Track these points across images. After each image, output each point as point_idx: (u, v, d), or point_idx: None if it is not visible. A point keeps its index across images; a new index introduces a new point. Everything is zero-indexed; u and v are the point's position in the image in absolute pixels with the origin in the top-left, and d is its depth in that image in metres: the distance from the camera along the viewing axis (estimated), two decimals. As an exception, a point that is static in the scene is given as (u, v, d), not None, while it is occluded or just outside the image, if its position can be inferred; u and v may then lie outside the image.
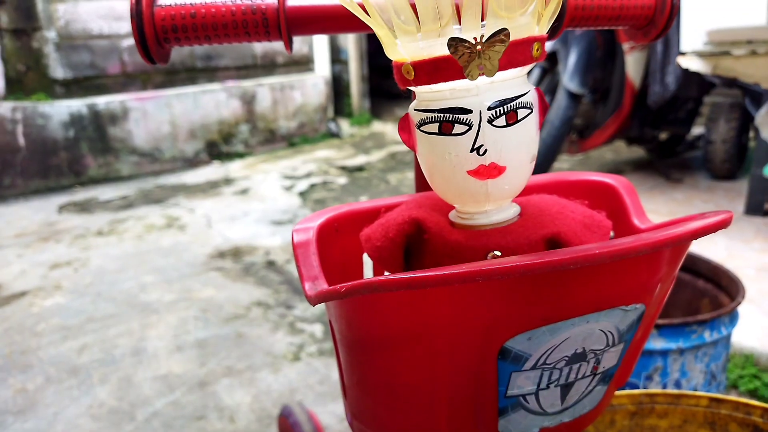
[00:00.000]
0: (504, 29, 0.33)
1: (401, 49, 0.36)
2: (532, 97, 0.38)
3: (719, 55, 1.75)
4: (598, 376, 0.40)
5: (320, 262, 0.41)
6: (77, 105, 3.40)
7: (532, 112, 0.37)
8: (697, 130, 3.57)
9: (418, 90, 0.38)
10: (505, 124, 0.36)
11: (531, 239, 0.40)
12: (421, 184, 0.58)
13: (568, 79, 2.64)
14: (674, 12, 0.50)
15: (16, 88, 3.36)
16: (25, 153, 3.25)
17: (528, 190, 0.48)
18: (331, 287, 0.35)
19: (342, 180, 3.40)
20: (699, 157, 3.27)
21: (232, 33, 0.42)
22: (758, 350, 1.44)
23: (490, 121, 0.36)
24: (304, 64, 4.58)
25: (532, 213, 0.41)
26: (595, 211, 0.43)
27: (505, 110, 0.36)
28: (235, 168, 3.77)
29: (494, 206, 0.40)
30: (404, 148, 4.14)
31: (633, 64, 2.65)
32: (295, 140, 4.34)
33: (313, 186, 3.29)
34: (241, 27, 0.42)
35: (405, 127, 0.40)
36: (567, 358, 0.37)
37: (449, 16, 0.34)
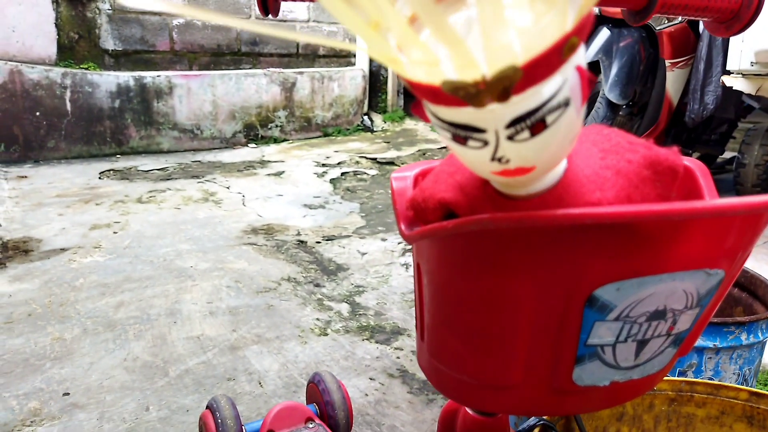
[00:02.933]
0: (513, 68, 0.27)
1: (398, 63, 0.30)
2: (567, 90, 0.30)
3: (765, 76, 1.75)
4: (672, 338, 0.42)
5: None
6: (125, 77, 3.49)
7: (568, 106, 0.31)
8: (728, 153, 3.54)
9: None
10: (528, 136, 0.30)
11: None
12: None
13: (609, 89, 2.65)
14: (760, 8, 0.51)
15: (68, 56, 3.46)
16: (71, 118, 3.35)
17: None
18: (434, 225, 0.38)
19: (373, 171, 3.44)
20: (729, 179, 3.24)
21: None
22: (785, 369, 1.44)
23: (510, 138, 0.30)
24: (344, 57, 4.64)
25: (576, 175, 0.38)
26: (660, 150, 0.40)
27: (529, 124, 0.30)
28: (270, 151, 3.83)
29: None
30: (435, 146, 4.16)
31: (673, 80, 2.65)
32: (329, 130, 4.39)
33: (344, 174, 3.33)
34: None
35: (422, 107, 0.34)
36: (648, 314, 0.39)
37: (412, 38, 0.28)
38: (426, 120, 0.33)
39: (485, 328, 0.41)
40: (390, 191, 0.47)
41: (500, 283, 0.39)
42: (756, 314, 1.05)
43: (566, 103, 0.30)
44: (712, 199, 0.47)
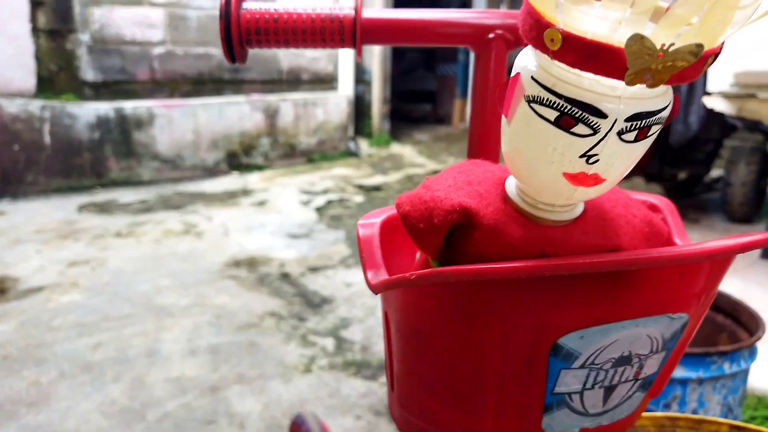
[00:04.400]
0: (700, 46, 0.27)
1: (555, 7, 0.29)
2: (668, 111, 0.32)
3: (745, 97, 1.77)
4: (639, 382, 0.42)
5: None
6: (105, 108, 3.47)
7: (661, 126, 0.33)
8: (715, 172, 3.58)
9: (552, 62, 0.31)
10: (633, 139, 0.31)
11: (586, 249, 0.38)
12: (474, 151, 0.54)
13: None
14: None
15: (47, 87, 3.43)
16: (49, 151, 3.31)
17: None
18: (399, 275, 0.37)
19: (358, 198, 3.43)
20: (716, 198, 3.27)
21: (310, 39, 0.45)
22: (774, 394, 1.42)
23: (620, 134, 0.31)
24: (328, 82, 4.65)
25: (596, 215, 0.39)
26: (654, 214, 0.42)
27: (641, 125, 0.31)
28: (253, 180, 3.81)
29: (567, 204, 0.37)
30: (421, 170, 4.16)
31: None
32: (314, 156, 4.39)
33: (329, 202, 3.31)
34: (319, 34, 0.45)
35: (508, 91, 0.34)
36: (614, 360, 0.39)
37: (650, 3, 0.27)
38: (503, 113, 0.33)
39: (452, 378, 0.41)
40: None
41: (466, 334, 0.39)
42: (740, 340, 1.04)
43: (663, 123, 0.32)
44: (679, 241, 0.47)
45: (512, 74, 0.34)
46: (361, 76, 4.84)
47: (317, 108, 4.40)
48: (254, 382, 1.53)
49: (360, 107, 4.88)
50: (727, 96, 1.80)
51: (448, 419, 0.43)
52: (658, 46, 0.27)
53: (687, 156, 2.99)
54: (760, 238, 0.35)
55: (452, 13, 0.50)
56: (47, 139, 3.29)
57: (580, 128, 0.31)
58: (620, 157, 0.32)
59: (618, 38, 0.28)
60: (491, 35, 0.50)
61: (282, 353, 1.69)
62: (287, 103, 4.22)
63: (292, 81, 4.43)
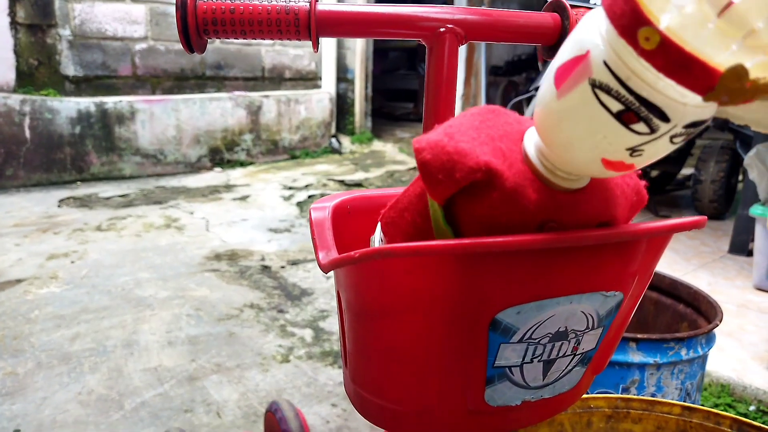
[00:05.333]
0: None
1: (664, 9, 0.28)
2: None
3: (713, 96, 1.83)
4: (578, 357, 0.44)
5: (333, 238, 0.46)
6: (86, 103, 3.45)
7: None
8: (687, 170, 3.65)
9: (632, 53, 0.29)
10: (680, 141, 0.32)
11: (590, 217, 0.39)
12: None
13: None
14: None
15: (27, 82, 3.41)
16: (30, 146, 3.29)
17: None
18: (344, 254, 0.39)
19: (340, 194, 3.45)
20: (688, 196, 3.35)
21: (266, 30, 0.47)
22: (734, 381, 1.48)
23: (673, 137, 0.31)
24: (310, 80, 4.67)
25: (598, 184, 0.39)
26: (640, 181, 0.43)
27: (694, 131, 0.31)
28: (236, 175, 3.81)
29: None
30: (402, 167, 4.20)
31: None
32: (296, 153, 4.40)
33: (311, 197, 3.33)
34: (275, 25, 0.47)
35: (569, 64, 0.32)
36: (550, 335, 0.41)
37: (766, 40, 0.27)
38: (555, 84, 0.32)
39: (398, 353, 0.43)
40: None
41: (409, 310, 0.41)
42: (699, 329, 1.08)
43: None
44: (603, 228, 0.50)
45: (576, 49, 0.31)
46: (343, 75, 4.86)
47: (300, 105, 4.41)
48: (232, 372, 1.56)
49: (342, 105, 4.90)
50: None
51: (395, 393, 0.45)
52: (756, 78, 0.26)
53: (660, 154, 3.06)
54: (691, 220, 0.38)
55: (404, 7, 0.53)
56: (27, 133, 3.27)
57: (640, 126, 0.30)
58: (661, 153, 0.32)
59: (718, 60, 0.27)
60: (442, 29, 0.53)
61: (260, 344, 1.71)
62: (270, 100, 4.23)
63: (275, 78, 4.44)
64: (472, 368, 0.42)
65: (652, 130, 0.30)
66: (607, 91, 0.30)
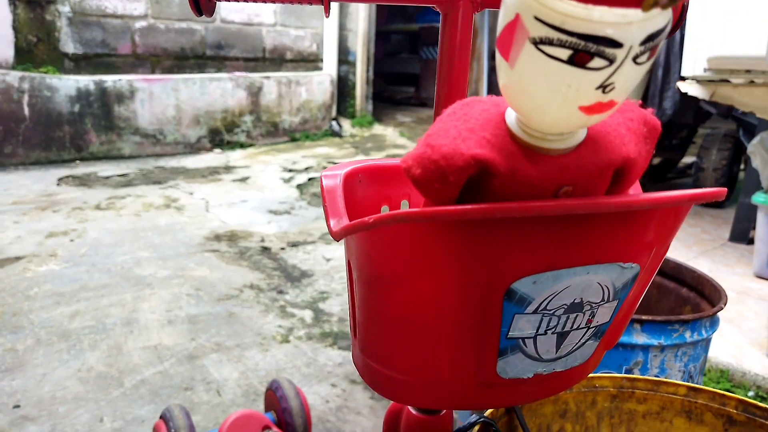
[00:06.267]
0: None
1: None
2: (671, 23, 0.32)
3: (718, 82, 1.81)
4: (592, 330, 0.43)
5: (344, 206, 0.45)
6: (85, 81, 3.42)
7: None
8: (689, 158, 3.64)
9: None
10: (645, 60, 0.31)
11: (602, 167, 0.37)
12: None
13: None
14: (682, 19, 0.52)
15: (26, 59, 3.37)
16: (28, 123, 3.26)
17: None
18: (358, 220, 0.39)
19: (340, 177, 3.44)
20: (689, 183, 3.34)
21: None
22: (734, 366, 1.48)
23: (635, 58, 0.30)
24: (312, 61, 4.63)
25: (599, 130, 0.38)
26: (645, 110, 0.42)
27: (653, 44, 0.30)
28: (236, 157, 3.79)
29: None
30: (403, 151, 4.18)
31: (633, 87, 2.72)
32: (296, 135, 4.38)
33: (311, 179, 3.32)
34: None
35: (507, 33, 0.32)
36: (566, 306, 0.40)
37: None
38: (504, 57, 0.31)
39: (409, 322, 0.42)
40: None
41: (422, 278, 0.40)
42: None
43: (667, 36, 0.32)
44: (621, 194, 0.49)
45: (507, 16, 0.31)
46: (345, 57, 4.82)
47: (301, 87, 4.38)
48: (232, 351, 1.56)
49: (343, 87, 4.86)
50: (700, 81, 1.84)
51: (406, 364, 0.44)
52: None
53: (661, 142, 3.05)
54: (711, 191, 0.37)
55: None
56: (26, 111, 3.24)
57: (595, 62, 0.30)
58: (633, 79, 0.32)
59: None
60: None
61: (260, 324, 1.71)
62: (270, 81, 4.20)
63: (276, 60, 4.40)
64: (485, 339, 0.41)
65: (611, 61, 0.30)
66: (549, 42, 0.30)
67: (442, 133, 0.37)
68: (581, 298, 0.40)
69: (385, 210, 0.55)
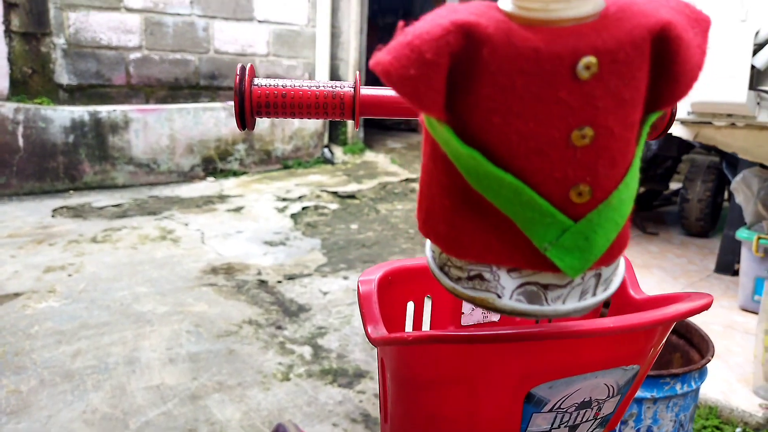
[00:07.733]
0: None
1: None
2: None
3: (701, 124, 1.89)
4: (598, 421, 0.50)
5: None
6: (79, 111, 3.45)
7: None
8: (674, 185, 3.74)
9: None
10: None
11: (634, 34, 0.31)
12: None
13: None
14: (673, 118, 0.58)
15: (21, 90, 3.40)
16: (23, 154, 3.28)
17: None
18: (397, 334, 0.44)
19: (333, 206, 3.48)
20: (674, 212, 3.43)
21: (314, 112, 0.51)
22: (722, 403, 1.54)
23: None
24: (303, 89, 4.69)
25: (625, 2, 0.33)
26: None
27: None
28: (229, 185, 3.83)
29: None
30: (395, 179, 4.24)
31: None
32: (289, 163, 4.42)
33: (305, 209, 3.36)
34: (322, 108, 0.51)
35: None
36: (577, 404, 0.46)
37: None
38: None
39: (441, 421, 0.47)
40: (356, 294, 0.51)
41: (456, 384, 0.45)
42: (691, 360, 1.13)
43: None
44: (634, 294, 0.55)
45: None
46: (337, 85, 4.89)
47: (293, 115, 4.43)
48: (234, 390, 1.58)
49: (335, 115, 4.92)
50: (684, 122, 1.92)
51: None
52: None
53: (647, 173, 3.14)
54: (701, 303, 0.44)
55: None
56: (21, 142, 3.26)
57: None
58: None
59: None
60: None
61: (260, 361, 1.73)
62: (263, 110, 4.25)
63: (269, 88, 4.45)
64: None
65: None
66: None
67: (418, 26, 0.32)
68: (590, 397, 0.46)
69: (410, 306, 0.60)
